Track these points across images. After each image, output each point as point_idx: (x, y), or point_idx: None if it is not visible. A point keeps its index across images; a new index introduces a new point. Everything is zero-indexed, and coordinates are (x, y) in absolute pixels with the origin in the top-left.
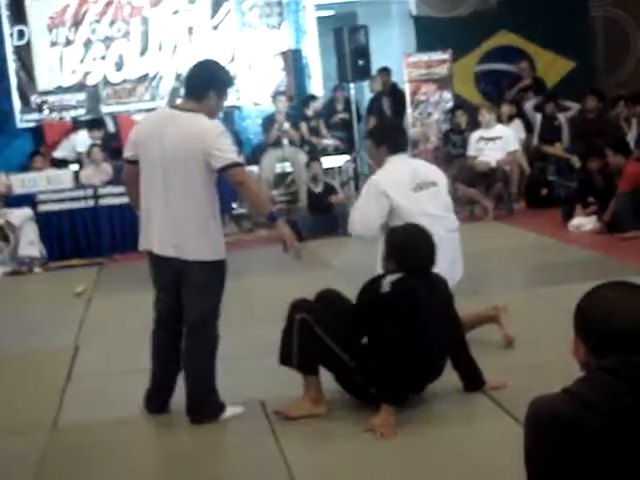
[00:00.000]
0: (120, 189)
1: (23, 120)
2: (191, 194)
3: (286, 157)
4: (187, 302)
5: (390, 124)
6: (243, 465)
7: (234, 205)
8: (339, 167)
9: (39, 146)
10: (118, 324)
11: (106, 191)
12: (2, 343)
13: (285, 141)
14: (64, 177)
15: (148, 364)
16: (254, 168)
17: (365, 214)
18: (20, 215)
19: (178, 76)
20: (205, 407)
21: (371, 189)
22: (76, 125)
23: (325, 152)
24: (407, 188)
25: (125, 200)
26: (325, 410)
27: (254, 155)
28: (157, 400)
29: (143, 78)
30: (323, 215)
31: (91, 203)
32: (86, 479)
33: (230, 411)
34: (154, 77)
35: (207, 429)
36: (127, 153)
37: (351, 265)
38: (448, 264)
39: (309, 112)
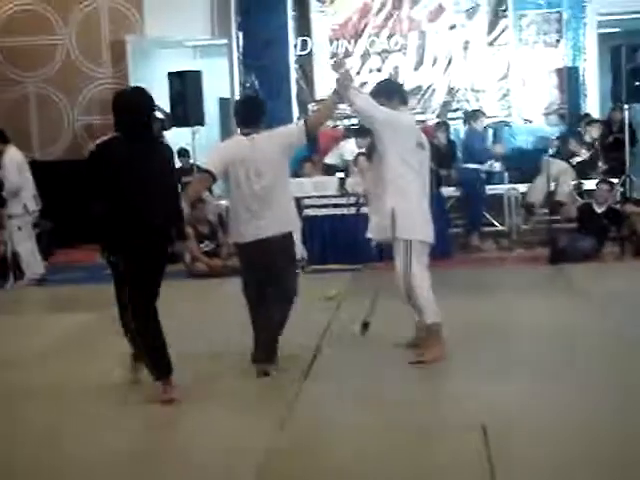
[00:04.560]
0: None
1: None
2: None
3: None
4: None
5: (393, 82)
6: None
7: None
8: None
9: (312, 152)
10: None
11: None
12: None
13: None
14: (330, 184)
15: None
16: (522, 187)
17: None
18: None
19: (450, 90)
20: None
21: (391, 121)
22: (347, 133)
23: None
24: (412, 139)
25: None
26: None
27: (522, 173)
28: None
29: (416, 90)
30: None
31: (353, 210)
32: None
33: None
34: (427, 90)
35: None
36: None
37: (608, 294)
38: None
39: (587, 137)
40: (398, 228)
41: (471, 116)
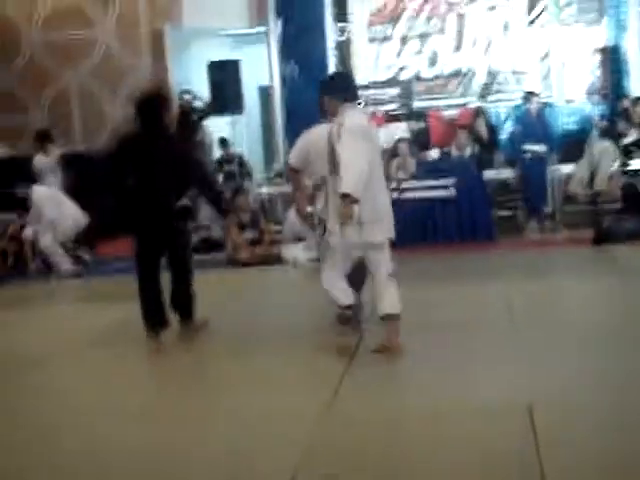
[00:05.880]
0: (423, 183)
1: None
2: None
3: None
4: None
5: (340, 76)
6: None
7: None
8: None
9: None
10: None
11: (409, 185)
12: (290, 320)
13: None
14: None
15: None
16: (565, 168)
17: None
18: None
19: (490, 72)
20: None
21: (355, 134)
22: (388, 119)
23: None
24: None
25: (425, 194)
26: None
27: (566, 152)
28: None
29: (456, 74)
30: None
31: (394, 195)
32: None
33: None
34: (466, 73)
35: None
36: None
37: None
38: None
39: (635, 116)
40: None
41: (525, 98)
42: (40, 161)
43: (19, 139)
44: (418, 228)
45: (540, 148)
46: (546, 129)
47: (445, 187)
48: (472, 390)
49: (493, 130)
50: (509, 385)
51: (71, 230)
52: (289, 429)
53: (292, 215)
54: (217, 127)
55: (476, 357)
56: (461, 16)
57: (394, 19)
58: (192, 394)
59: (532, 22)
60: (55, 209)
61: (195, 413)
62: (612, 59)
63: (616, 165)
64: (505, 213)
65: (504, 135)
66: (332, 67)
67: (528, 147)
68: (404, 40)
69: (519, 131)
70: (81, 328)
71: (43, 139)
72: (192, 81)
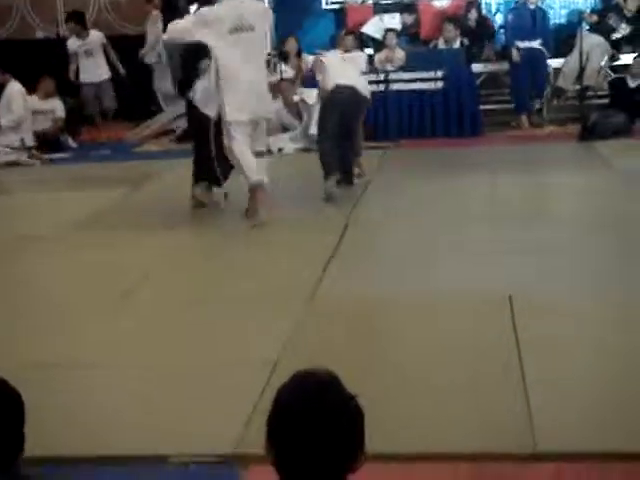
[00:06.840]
0: (411, 75)
1: (329, 2)
2: None
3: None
4: None
5: None
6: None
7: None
8: None
9: (342, 28)
10: (388, 207)
11: (397, 76)
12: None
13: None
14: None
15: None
16: (555, 62)
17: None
18: (314, 95)
19: None
20: None
21: (197, 16)
22: (377, 9)
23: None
24: (224, 28)
25: (412, 86)
26: None
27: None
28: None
29: None
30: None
31: (382, 87)
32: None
33: None
34: None
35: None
36: None
37: (636, 169)
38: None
39: (625, 10)
40: None
41: None
42: (74, 44)
43: (3, 22)
44: (405, 121)
45: (535, 44)
46: (543, 23)
47: (433, 80)
48: (454, 281)
49: (485, 22)
50: (491, 276)
51: (35, 128)
52: (272, 318)
53: (278, 105)
54: None
55: (459, 250)
56: None
57: None
58: (179, 278)
59: None
60: (24, 107)
61: (183, 297)
62: None
63: (605, 60)
64: (493, 107)
65: (496, 27)
66: None
67: (522, 44)
68: None
69: (513, 24)
70: (68, 213)
71: (76, 22)
72: None
